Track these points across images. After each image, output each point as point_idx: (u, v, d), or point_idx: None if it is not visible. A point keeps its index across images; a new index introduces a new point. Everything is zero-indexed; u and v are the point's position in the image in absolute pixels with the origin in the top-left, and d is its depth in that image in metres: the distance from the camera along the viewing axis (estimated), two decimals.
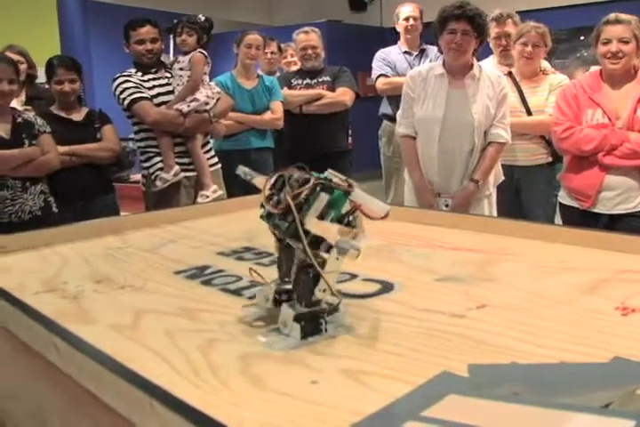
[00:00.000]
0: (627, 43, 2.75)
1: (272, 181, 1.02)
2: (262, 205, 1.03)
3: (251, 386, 0.83)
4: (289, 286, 1.03)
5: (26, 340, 1.00)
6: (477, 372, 0.85)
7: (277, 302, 1.03)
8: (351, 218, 1.01)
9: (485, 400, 0.76)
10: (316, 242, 0.98)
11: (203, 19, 3.40)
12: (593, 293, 1.18)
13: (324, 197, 0.99)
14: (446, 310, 1.09)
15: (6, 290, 1.13)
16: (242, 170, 1.25)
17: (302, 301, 0.98)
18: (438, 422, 0.71)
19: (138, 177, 3.90)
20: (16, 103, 3.43)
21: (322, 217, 0.99)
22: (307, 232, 0.97)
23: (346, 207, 1.01)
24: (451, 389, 0.80)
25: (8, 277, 1.36)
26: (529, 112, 3.41)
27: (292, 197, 0.98)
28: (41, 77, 4.16)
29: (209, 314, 1.11)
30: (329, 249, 0.97)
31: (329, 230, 0.98)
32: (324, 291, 0.97)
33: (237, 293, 1.21)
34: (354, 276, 1.28)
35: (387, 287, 1.22)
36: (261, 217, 1.02)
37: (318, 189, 1.00)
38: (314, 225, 0.97)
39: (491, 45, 3.69)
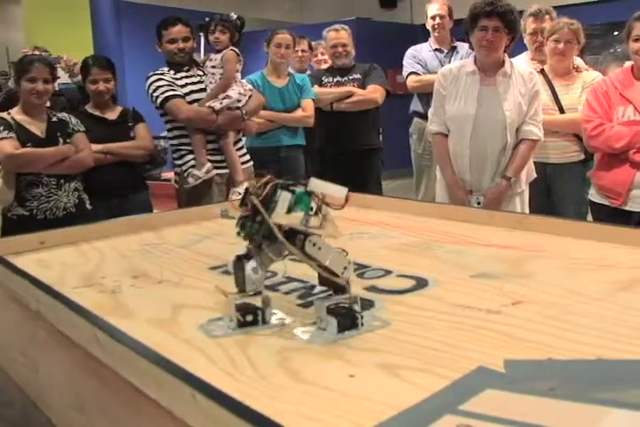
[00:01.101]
0: None
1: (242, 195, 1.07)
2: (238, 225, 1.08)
3: (289, 379, 0.84)
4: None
5: (67, 332, 1.02)
6: (514, 367, 0.85)
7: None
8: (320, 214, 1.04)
9: (522, 395, 0.77)
10: (289, 237, 1.00)
11: (235, 17, 3.42)
12: (629, 290, 1.17)
13: (285, 195, 1.03)
14: (482, 306, 1.09)
15: (47, 284, 1.15)
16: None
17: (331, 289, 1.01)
18: (476, 416, 0.72)
19: (170, 175, 3.93)
20: None
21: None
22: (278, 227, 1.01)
23: (312, 204, 1.04)
24: (487, 383, 0.80)
25: (48, 272, 1.39)
26: (561, 110, 3.37)
27: (255, 196, 1.04)
28: (63, 78, 4.24)
29: None
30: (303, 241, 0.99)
31: (295, 218, 1.01)
32: (345, 268, 1.00)
33: (273, 288, 1.22)
34: (388, 272, 1.29)
35: (421, 283, 1.22)
36: (238, 234, 1.07)
37: (279, 189, 1.05)
38: (281, 217, 1.00)
39: (525, 41, 3.66)
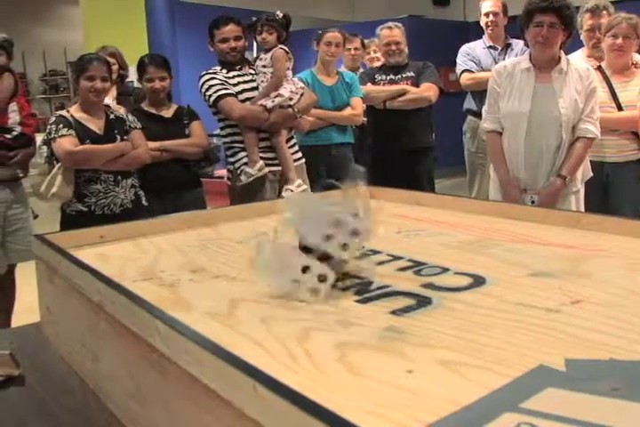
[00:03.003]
0: None
1: None
2: None
3: (347, 373, 0.84)
4: None
5: (127, 324, 1.04)
6: (575, 366, 0.84)
7: None
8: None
9: (584, 394, 0.76)
10: None
11: (281, 15, 3.45)
12: None
13: None
14: (540, 305, 1.08)
15: (107, 276, 1.17)
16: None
17: None
18: (537, 415, 0.71)
19: (222, 172, 3.98)
20: (109, 100, 3.55)
21: None
22: None
23: None
24: (548, 382, 0.79)
25: (107, 266, 1.41)
26: (619, 108, 3.32)
27: None
28: (130, 76, 4.32)
29: (303, 304, 1.13)
30: None
31: None
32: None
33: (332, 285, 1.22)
34: (445, 269, 1.28)
35: (478, 281, 1.22)
36: None
37: None
38: None
39: (582, 37, 3.60)
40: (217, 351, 0.81)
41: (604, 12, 3.56)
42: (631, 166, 3.39)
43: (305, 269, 1.12)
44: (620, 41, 3.24)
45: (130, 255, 1.53)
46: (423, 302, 1.09)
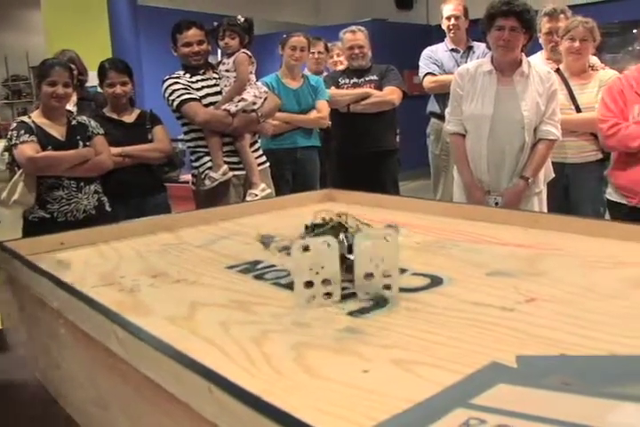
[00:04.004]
0: None
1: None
2: None
3: (304, 374, 0.85)
4: None
5: (86, 329, 1.04)
6: (526, 363, 0.86)
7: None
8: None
9: (534, 389, 0.77)
10: None
11: (242, 20, 3.45)
12: None
13: None
14: (496, 304, 1.10)
15: (67, 283, 1.17)
16: (262, 238, 1.53)
17: None
18: (487, 410, 0.72)
19: (188, 177, 3.97)
20: (70, 106, 3.52)
21: None
22: None
23: None
24: (500, 378, 0.81)
25: (68, 272, 1.41)
26: (578, 109, 3.38)
27: None
28: (91, 81, 4.28)
29: (261, 307, 1.14)
30: None
31: None
32: None
33: (289, 286, 1.23)
34: (403, 270, 1.30)
35: (436, 281, 1.23)
36: None
37: None
38: None
39: (540, 41, 3.66)
40: (173, 355, 0.81)
41: (562, 15, 3.62)
42: (591, 167, 3.45)
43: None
44: (577, 44, 3.29)
45: (90, 261, 1.52)
46: (380, 302, 1.10)
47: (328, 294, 1.11)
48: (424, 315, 1.06)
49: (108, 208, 3.21)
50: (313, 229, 1.30)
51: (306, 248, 1.09)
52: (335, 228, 1.26)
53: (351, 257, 1.15)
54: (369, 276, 1.12)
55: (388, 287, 1.13)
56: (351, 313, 1.06)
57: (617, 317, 1.02)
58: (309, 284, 1.10)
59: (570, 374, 0.82)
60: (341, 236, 1.19)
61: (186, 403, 0.79)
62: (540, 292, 1.16)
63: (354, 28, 4.43)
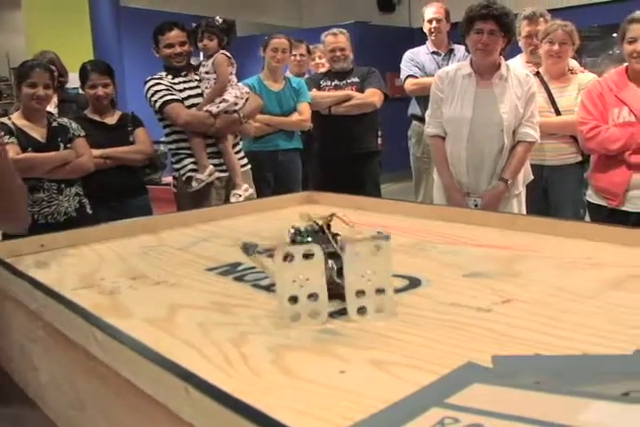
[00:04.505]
0: None
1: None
2: None
3: (281, 375, 0.86)
4: None
5: (65, 331, 1.04)
6: (501, 362, 0.87)
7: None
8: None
9: (508, 388, 0.79)
10: None
11: (221, 21, 3.46)
12: (619, 288, 1.19)
13: None
14: (472, 305, 1.11)
15: (46, 285, 1.17)
16: (245, 245, 1.43)
17: None
18: (461, 409, 0.74)
19: (169, 179, 3.96)
20: (50, 107, 3.51)
21: None
22: None
23: None
24: (474, 378, 0.82)
25: (47, 274, 1.41)
26: (558, 112, 3.41)
27: None
28: (73, 82, 4.27)
29: (241, 308, 1.14)
30: None
31: None
32: None
33: (268, 288, 1.24)
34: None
35: (414, 283, 1.25)
36: None
37: None
38: None
39: (520, 44, 3.70)
40: (150, 356, 0.82)
41: (541, 19, 3.65)
42: (570, 169, 3.48)
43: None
44: (556, 47, 3.33)
45: (70, 263, 1.52)
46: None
47: (314, 315, 1.04)
48: (402, 316, 1.07)
49: (89, 210, 3.20)
50: (297, 235, 1.19)
51: (288, 257, 1.02)
52: (319, 234, 1.17)
53: (342, 282, 1.07)
54: (360, 293, 1.05)
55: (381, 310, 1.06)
56: (330, 314, 1.06)
57: (592, 317, 1.04)
58: (294, 299, 1.03)
59: (544, 373, 0.84)
60: (330, 262, 1.09)
61: (164, 404, 0.79)
62: (516, 293, 1.17)
63: (335, 30, 4.44)
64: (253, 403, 0.70)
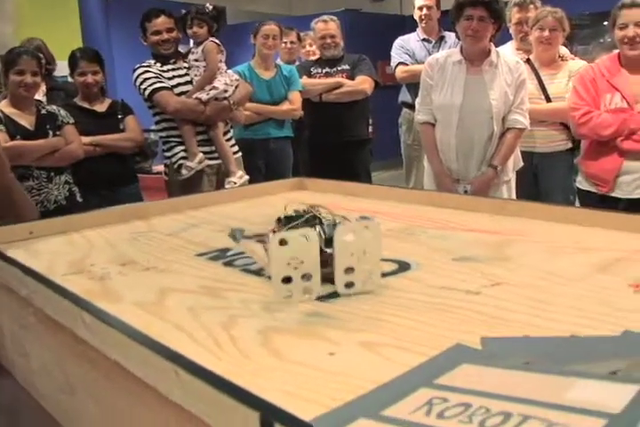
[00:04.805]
0: None
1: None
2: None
3: (271, 358, 0.86)
4: None
5: (55, 317, 1.04)
6: (490, 344, 0.88)
7: None
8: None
9: (496, 369, 0.79)
10: None
11: (210, 8, 3.44)
12: (607, 271, 1.19)
13: None
14: (462, 288, 1.11)
15: (35, 270, 1.17)
16: (232, 231, 1.38)
17: None
18: (450, 389, 0.74)
19: (160, 168, 3.95)
20: (39, 95, 3.49)
21: None
22: None
23: None
24: (463, 359, 0.82)
25: (36, 260, 1.40)
26: (548, 99, 3.41)
27: None
28: (62, 71, 4.24)
29: (231, 293, 1.14)
30: None
31: None
32: None
33: (258, 273, 1.24)
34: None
35: (403, 267, 1.25)
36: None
37: None
38: None
39: (511, 31, 3.70)
40: (139, 338, 0.82)
41: (532, 5, 3.65)
42: (561, 156, 3.49)
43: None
44: (546, 33, 3.33)
45: (60, 250, 1.51)
46: (348, 288, 1.11)
47: (307, 291, 1.06)
48: (391, 299, 1.07)
49: (79, 199, 3.19)
50: (286, 223, 1.21)
51: (283, 242, 1.03)
52: (309, 220, 1.19)
53: (329, 251, 1.09)
54: (349, 270, 1.08)
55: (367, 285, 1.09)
56: (319, 298, 1.07)
57: (580, 300, 1.04)
58: (287, 279, 1.04)
59: (532, 354, 0.84)
60: (317, 228, 1.12)
61: (154, 387, 0.79)
62: (505, 276, 1.17)
63: (325, 17, 4.43)
64: (243, 385, 0.70)
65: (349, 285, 1.08)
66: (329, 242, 1.10)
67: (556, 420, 0.64)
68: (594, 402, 0.66)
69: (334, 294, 1.08)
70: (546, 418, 0.64)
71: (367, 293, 1.09)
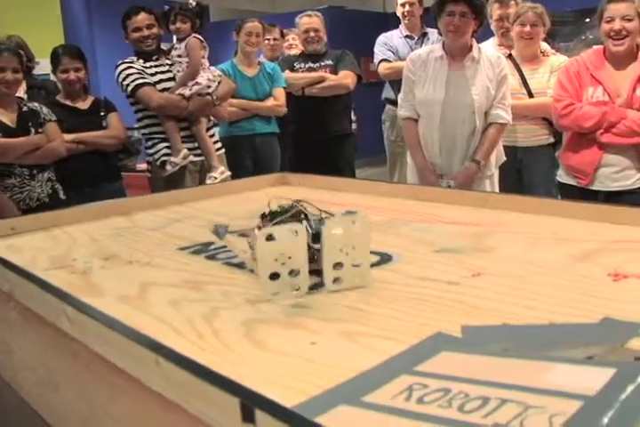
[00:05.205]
0: (630, 20, 2.76)
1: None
2: None
3: (253, 348, 0.87)
4: None
5: (38, 311, 1.04)
6: (470, 332, 0.89)
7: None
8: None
9: (476, 356, 0.80)
10: None
11: (194, 4, 3.43)
12: (586, 261, 1.21)
13: None
14: (442, 279, 1.12)
15: (17, 265, 1.17)
16: (216, 228, 1.36)
17: None
18: (430, 375, 0.75)
19: (144, 166, 3.94)
20: (20, 93, 3.47)
21: None
22: None
23: None
24: (444, 347, 0.83)
25: (19, 256, 1.40)
26: (530, 94, 3.43)
27: None
28: (43, 69, 4.21)
29: (213, 286, 1.15)
30: None
31: None
32: None
33: (240, 266, 1.25)
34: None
35: (385, 258, 1.26)
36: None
37: None
38: None
39: (492, 27, 3.71)
40: (121, 329, 0.82)
41: (512, 2, 3.67)
42: (542, 151, 3.50)
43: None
44: (527, 28, 3.34)
45: (42, 245, 1.51)
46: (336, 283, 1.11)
47: (295, 288, 1.05)
48: (373, 290, 1.08)
49: (62, 196, 3.17)
50: (271, 218, 1.18)
51: (270, 237, 1.02)
52: (295, 216, 1.18)
53: (317, 246, 1.09)
54: (338, 265, 1.07)
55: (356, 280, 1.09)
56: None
57: (558, 289, 1.06)
58: (275, 275, 1.03)
59: (511, 341, 0.85)
60: (304, 223, 1.11)
61: (136, 377, 0.80)
62: (485, 267, 1.19)
63: (310, 12, 4.44)
64: (224, 373, 0.70)
65: (337, 280, 1.08)
66: (316, 237, 1.09)
67: (534, 403, 0.65)
68: (570, 385, 0.67)
69: (317, 286, 1.09)
70: (523, 401, 0.65)
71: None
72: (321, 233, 1.06)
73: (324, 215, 1.18)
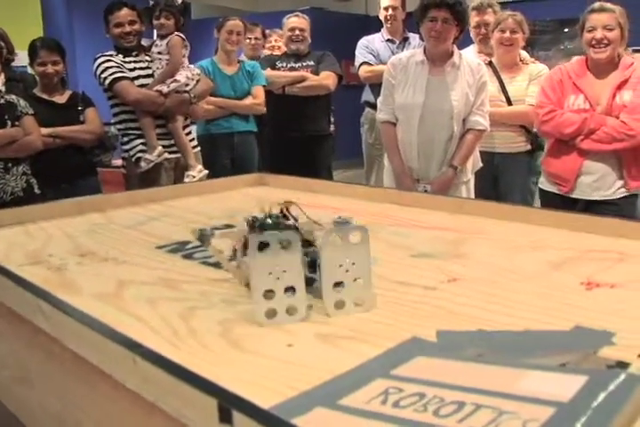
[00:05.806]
0: (611, 30, 2.81)
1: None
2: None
3: (230, 348, 0.87)
4: None
5: (12, 306, 1.03)
6: (445, 337, 0.90)
7: None
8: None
9: (451, 361, 0.81)
10: None
11: (179, 1, 3.42)
12: (560, 269, 1.22)
13: None
14: (419, 283, 1.13)
15: None
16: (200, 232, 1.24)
17: None
18: (405, 380, 0.75)
19: (119, 162, 3.91)
20: None
21: None
22: None
23: None
24: (419, 351, 0.84)
25: None
26: (509, 102, 3.46)
27: None
28: (21, 61, 4.16)
29: (190, 285, 1.15)
30: None
31: None
32: None
33: (217, 265, 1.25)
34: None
35: None
36: None
37: None
38: None
39: (471, 34, 3.73)
40: (97, 327, 0.82)
41: (489, 9, 3.71)
42: (520, 157, 3.54)
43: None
44: (507, 35, 3.38)
45: (17, 241, 1.50)
46: (307, 283, 1.11)
47: (292, 311, 0.96)
48: None
49: (37, 190, 3.14)
50: (260, 225, 1.09)
51: (263, 246, 0.93)
52: (285, 228, 1.07)
53: (315, 277, 1.03)
54: (338, 285, 0.99)
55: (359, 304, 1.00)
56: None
57: (534, 296, 1.07)
58: (269, 292, 0.95)
59: (486, 347, 0.86)
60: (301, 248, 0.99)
61: (111, 375, 0.79)
62: (461, 272, 1.20)
63: (298, 13, 4.46)
64: (201, 374, 0.70)
65: (340, 305, 0.99)
66: (312, 265, 1.02)
67: (508, 408, 0.66)
68: (544, 392, 0.68)
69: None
70: (498, 407, 0.66)
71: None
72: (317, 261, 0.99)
73: (316, 228, 1.10)
